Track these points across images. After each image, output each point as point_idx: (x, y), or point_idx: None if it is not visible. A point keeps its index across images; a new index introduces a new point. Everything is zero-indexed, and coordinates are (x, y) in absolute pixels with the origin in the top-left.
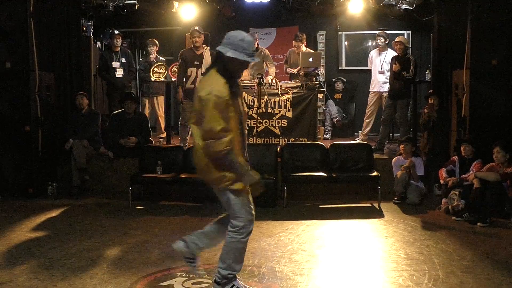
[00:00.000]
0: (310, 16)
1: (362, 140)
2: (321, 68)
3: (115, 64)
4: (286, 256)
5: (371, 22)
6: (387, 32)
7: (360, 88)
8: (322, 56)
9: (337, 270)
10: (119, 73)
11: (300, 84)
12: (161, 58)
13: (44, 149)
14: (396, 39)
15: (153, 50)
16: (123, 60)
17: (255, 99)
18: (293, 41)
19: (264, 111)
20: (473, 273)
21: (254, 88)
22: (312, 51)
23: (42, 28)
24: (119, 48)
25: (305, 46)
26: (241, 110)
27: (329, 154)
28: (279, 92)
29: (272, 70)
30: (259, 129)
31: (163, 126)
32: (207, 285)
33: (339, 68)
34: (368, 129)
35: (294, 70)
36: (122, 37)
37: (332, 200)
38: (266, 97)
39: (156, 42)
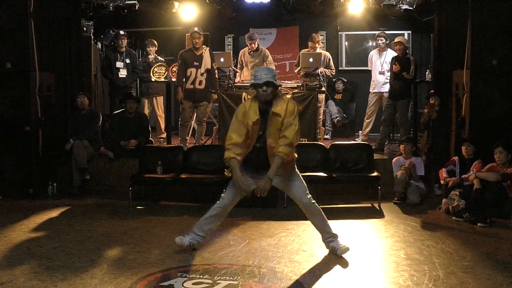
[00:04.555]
0: (310, 16)
1: (362, 141)
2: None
3: (119, 64)
4: (287, 256)
5: (371, 23)
6: (387, 32)
7: (360, 89)
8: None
9: (337, 270)
10: (122, 73)
11: (300, 84)
12: (160, 58)
13: (44, 149)
14: (396, 40)
15: (152, 51)
16: (127, 61)
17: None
18: (310, 42)
19: None
20: (474, 274)
21: None
22: (324, 52)
23: (42, 28)
24: (124, 49)
25: (321, 48)
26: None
27: (330, 154)
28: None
29: None
30: None
31: (162, 126)
32: (207, 285)
33: (340, 68)
34: (368, 129)
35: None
36: (127, 37)
37: (333, 201)
38: None
39: (155, 42)
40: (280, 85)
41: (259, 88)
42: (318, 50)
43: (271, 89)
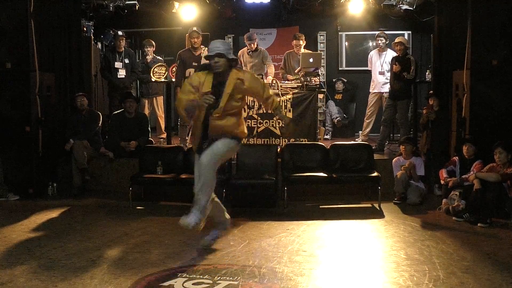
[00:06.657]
0: (311, 16)
1: (362, 141)
2: (321, 69)
3: (118, 65)
4: (287, 257)
5: (371, 23)
6: (387, 32)
7: (360, 89)
8: (322, 57)
9: (337, 271)
10: (121, 73)
11: (300, 84)
12: (158, 58)
13: (44, 149)
14: (396, 40)
15: (149, 51)
16: (126, 61)
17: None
18: (294, 41)
19: (265, 111)
20: (474, 274)
21: None
22: (310, 51)
23: (42, 28)
24: (123, 49)
25: (304, 47)
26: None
27: (330, 154)
28: (280, 93)
29: (271, 70)
30: (259, 130)
31: (163, 126)
32: (207, 285)
33: (340, 68)
34: (368, 129)
35: (291, 77)
36: (126, 38)
37: (333, 201)
38: None
39: (152, 42)
40: (234, 59)
41: (211, 60)
42: (302, 49)
43: (223, 60)
